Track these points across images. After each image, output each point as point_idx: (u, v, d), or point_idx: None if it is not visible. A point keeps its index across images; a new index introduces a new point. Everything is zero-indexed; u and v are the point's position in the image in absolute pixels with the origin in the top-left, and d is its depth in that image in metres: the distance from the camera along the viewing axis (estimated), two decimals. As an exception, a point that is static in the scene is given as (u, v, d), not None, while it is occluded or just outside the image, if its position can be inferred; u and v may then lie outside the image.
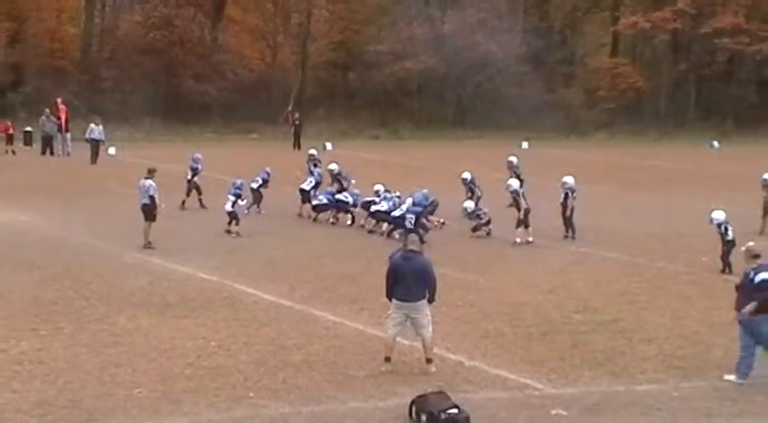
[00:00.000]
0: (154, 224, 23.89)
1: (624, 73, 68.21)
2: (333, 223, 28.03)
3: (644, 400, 13.60)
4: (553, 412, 12.97)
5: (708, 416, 13.03)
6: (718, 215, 22.43)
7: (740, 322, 14.50)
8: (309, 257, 23.18)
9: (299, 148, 50.12)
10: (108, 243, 24.24)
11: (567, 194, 26.43)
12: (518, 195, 25.67)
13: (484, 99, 63.19)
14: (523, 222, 25.41)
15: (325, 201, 28.38)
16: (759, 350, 14.39)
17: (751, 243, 15.19)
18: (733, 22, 65.22)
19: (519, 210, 25.52)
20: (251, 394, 13.39)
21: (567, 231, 26.51)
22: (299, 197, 29.31)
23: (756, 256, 14.72)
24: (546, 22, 63.75)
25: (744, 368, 14.34)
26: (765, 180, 28.61)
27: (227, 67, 62.78)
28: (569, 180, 26.65)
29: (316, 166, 31.21)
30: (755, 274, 14.41)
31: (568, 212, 26.47)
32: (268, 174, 30.42)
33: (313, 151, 33.37)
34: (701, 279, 20.17)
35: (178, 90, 59.73)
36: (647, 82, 67.90)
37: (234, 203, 25.80)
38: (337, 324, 17.10)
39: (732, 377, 14.34)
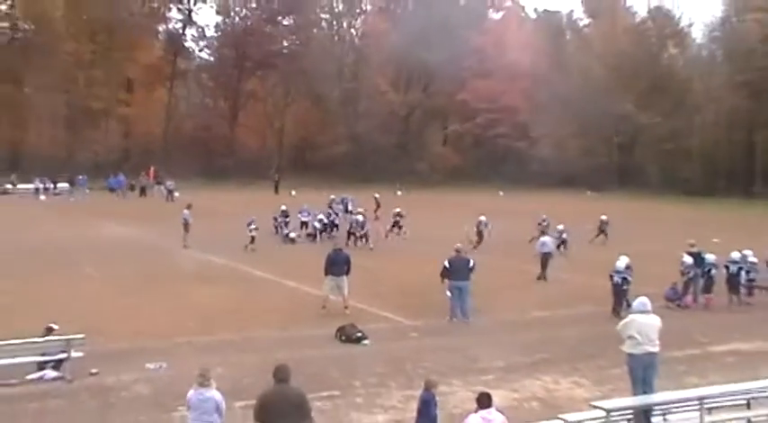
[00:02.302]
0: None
1: (449, 156, 68.44)
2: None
3: (458, 328, 13.72)
4: (412, 335, 13.17)
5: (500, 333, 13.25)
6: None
7: None
8: (287, 254, 23.02)
9: (277, 193, 49.51)
10: (172, 245, 23.60)
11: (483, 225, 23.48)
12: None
13: (377, 165, 62.94)
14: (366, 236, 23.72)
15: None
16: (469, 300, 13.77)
17: (459, 244, 14.53)
18: (504, 130, 65.82)
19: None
20: (252, 325, 13.35)
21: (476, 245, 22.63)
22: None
23: (457, 251, 13.93)
24: (407, 127, 64.95)
25: (453, 311, 13.80)
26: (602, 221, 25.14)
27: (239, 149, 62.33)
28: (483, 218, 23.68)
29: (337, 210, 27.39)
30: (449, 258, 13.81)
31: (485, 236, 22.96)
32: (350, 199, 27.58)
33: (286, 208, 27.30)
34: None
35: (213, 162, 58.84)
36: (462, 161, 68.09)
37: (251, 231, 23.14)
38: (298, 288, 17.03)
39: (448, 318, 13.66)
